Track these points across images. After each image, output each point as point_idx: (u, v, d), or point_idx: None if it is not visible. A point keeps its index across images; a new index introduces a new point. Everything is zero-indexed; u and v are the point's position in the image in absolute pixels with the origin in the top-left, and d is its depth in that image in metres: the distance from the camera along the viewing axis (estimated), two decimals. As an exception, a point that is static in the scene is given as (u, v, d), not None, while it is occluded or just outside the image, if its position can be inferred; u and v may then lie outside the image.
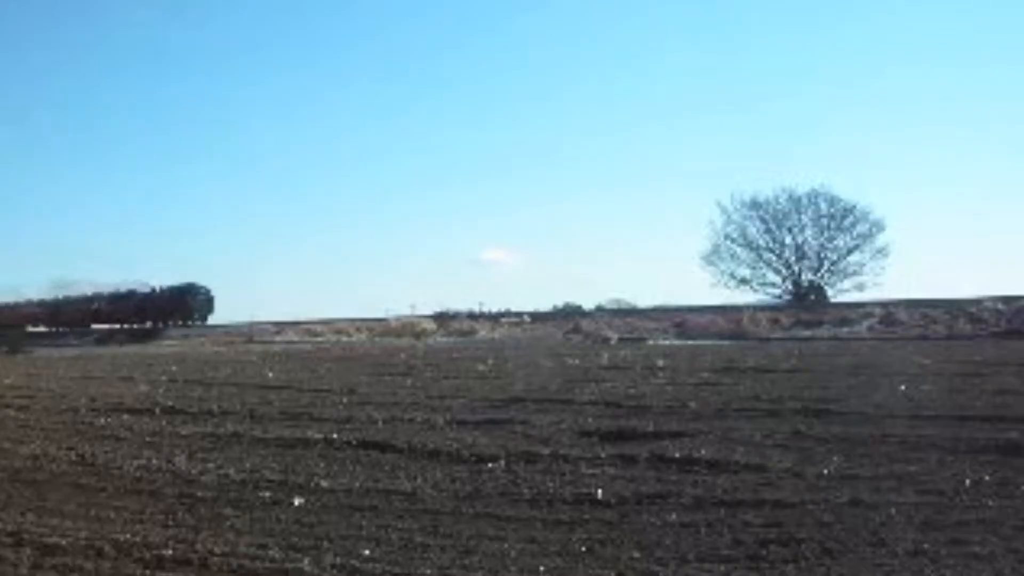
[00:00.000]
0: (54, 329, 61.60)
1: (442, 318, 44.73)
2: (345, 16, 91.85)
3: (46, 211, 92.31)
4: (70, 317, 61.02)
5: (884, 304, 34.52)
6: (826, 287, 48.15)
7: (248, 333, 46.35)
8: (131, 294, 57.95)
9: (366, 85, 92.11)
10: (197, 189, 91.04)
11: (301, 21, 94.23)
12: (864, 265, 47.24)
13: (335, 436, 8.64)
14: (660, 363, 17.08)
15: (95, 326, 59.44)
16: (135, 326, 55.54)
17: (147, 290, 57.63)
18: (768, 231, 48.63)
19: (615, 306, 46.43)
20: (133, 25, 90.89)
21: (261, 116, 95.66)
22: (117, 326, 56.93)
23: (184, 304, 55.03)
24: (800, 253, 48.23)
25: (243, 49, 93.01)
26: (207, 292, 56.68)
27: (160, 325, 54.80)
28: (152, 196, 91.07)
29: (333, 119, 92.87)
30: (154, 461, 7.70)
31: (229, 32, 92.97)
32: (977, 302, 32.42)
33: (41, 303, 65.43)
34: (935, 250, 66.59)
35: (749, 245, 48.96)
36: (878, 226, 46.61)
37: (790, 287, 48.48)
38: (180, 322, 54.73)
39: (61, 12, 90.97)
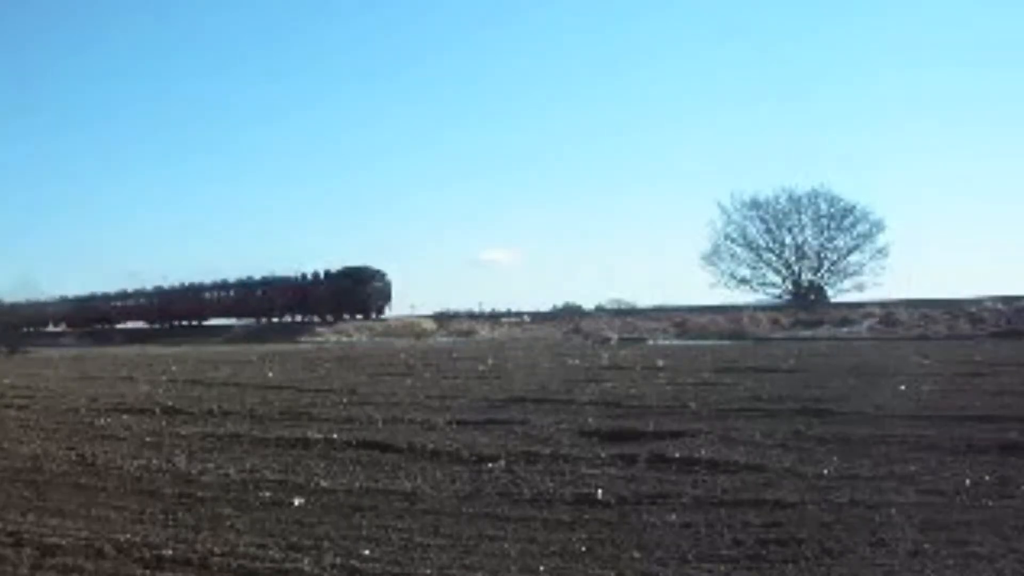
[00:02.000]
0: (157, 325, 54.85)
1: (442, 318, 44.75)
2: (347, 17, 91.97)
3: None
4: (179, 310, 54.90)
5: (884, 304, 34.54)
6: (826, 287, 48.16)
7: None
8: (266, 282, 51.12)
9: (369, 86, 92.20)
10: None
11: (302, 22, 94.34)
12: (864, 265, 47.26)
13: (335, 436, 8.63)
14: (660, 363, 17.08)
15: (213, 321, 52.59)
16: (274, 319, 49.11)
17: (287, 278, 49.94)
18: (768, 231, 48.65)
19: (615, 306, 46.47)
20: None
21: (260, 116, 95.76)
22: (248, 320, 50.49)
23: (355, 292, 46.77)
24: (800, 253, 48.24)
25: (246, 49, 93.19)
26: (383, 277, 48.15)
27: (312, 319, 46.91)
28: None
29: (331, 119, 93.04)
30: (154, 461, 7.70)
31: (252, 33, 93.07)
32: (977, 302, 32.45)
33: (139, 294, 59.13)
34: (935, 250, 66.67)
35: (749, 245, 48.98)
36: (878, 226, 46.66)
37: (790, 287, 48.48)
38: (351, 315, 46.41)
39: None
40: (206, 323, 53.45)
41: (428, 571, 4.45)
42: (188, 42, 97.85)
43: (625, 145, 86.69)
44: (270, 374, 17.46)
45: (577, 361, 18.97)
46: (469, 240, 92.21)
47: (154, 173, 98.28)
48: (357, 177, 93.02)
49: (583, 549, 4.76)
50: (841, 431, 8.09)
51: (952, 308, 31.52)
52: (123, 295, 61.15)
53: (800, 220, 48.07)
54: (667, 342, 30.21)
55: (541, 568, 4.45)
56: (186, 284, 56.73)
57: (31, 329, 62.17)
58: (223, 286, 54.37)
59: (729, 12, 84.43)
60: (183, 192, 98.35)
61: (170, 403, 11.96)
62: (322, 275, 48.91)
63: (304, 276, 50.01)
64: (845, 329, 30.93)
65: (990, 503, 5.38)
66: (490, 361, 19.44)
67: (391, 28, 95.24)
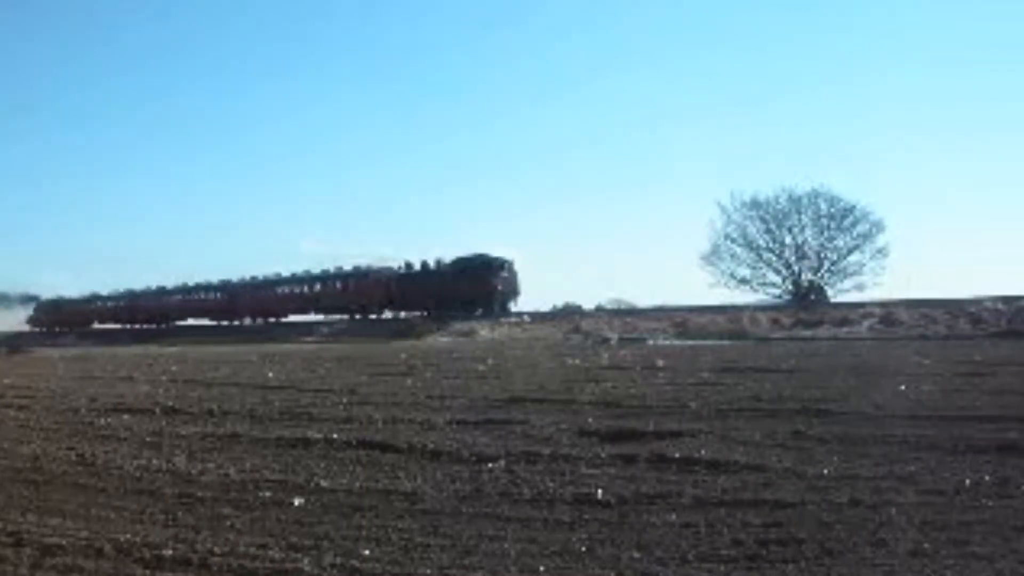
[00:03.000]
0: (225, 323, 50.69)
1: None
2: (351, 16, 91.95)
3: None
4: (250, 307, 50.47)
5: (884, 304, 34.46)
6: (826, 287, 48.06)
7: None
8: (356, 274, 46.29)
9: (370, 86, 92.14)
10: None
11: (307, 22, 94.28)
12: (864, 265, 47.10)
13: (335, 436, 8.63)
14: (660, 363, 17.07)
15: (295, 317, 47.88)
16: (370, 316, 44.40)
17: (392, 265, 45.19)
18: (768, 231, 48.51)
19: (615, 306, 46.34)
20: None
21: (265, 114, 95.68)
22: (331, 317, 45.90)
23: (478, 285, 41.11)
24: (800, 253, 48.11)
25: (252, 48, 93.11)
26: (511, 267, 42.52)
27: (409, 315, 42.78)
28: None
29: (336, 119, 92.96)
30: (154, 461, 7.70)
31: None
32: (977, 302, 32.38)
33: (202, 288, 55.01)
34: (935, 250, 66.62)
35: (749, 245, 48.84)
36: (878, 226, 46.49)
37: (790, 287, 48.39)
38: (468, 311, 41.00)
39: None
40: (282, 320, 49.12)
41: (428, 571, 4.46)
42: (190, 42, 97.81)
43: (625, 145, 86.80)
44: (270, 374, 17.45)
45: (577, 361, 18.96)
46: (469, 241, 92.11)
47: (154, 172, 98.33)
48: (358, 176, 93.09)
49: (583, 549, 4.76)
50: (841, 431, 8.08)
51: (952, 308, 31.46)
52: (183, 289, 57.07)
53: (800, 220, 47.96)
54: (667, 342, 30.18)
55: (541, 568, 4.46)
56: (259, 277, 52.50)
57: (66, 329, 58.63)
58: (301, 279, 49.91)
59: (729, 12, 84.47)
60: (183, 191, 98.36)
61: (170, 403, 11.95)
62: (432, 264, 44.17)
63: (408, 266, 45.39)
64: (845, 329, 30.86)
65: (990, 503, 5.37)
66: (490, 361, 19.43)
67: (396, 29, 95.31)
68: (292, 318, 49.16)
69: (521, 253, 49.71)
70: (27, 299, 68.02)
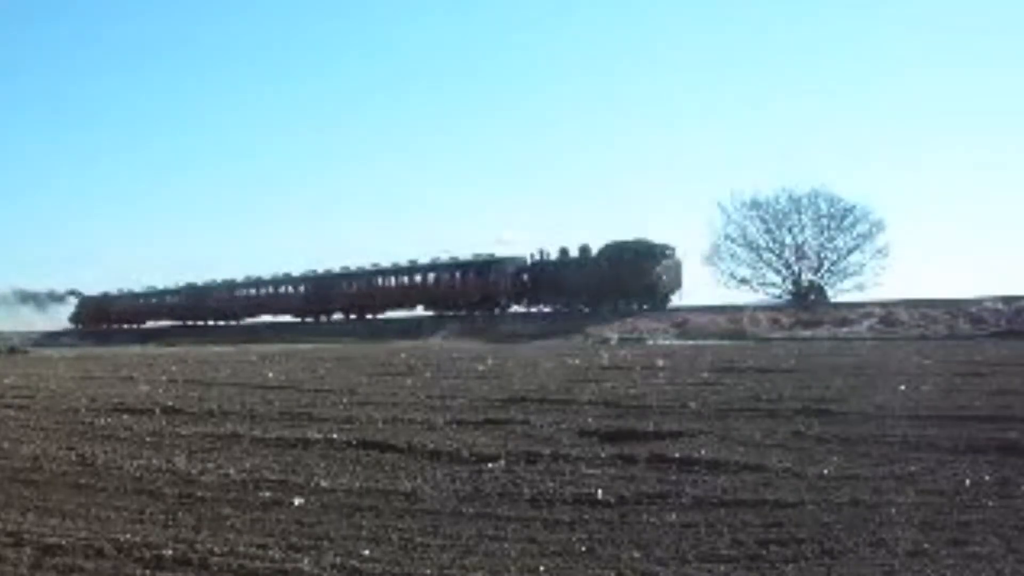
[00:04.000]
0: (305, 319, 46.47)
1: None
2: (349, 14, 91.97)
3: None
4: (342, 301, 45.88)
5: (884, 304, 34.46)
6: (826, 287, 48.03)
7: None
8: (476, 264, 41.11)
9: (384, 80, 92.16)
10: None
11: (311, 20, 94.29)
12: (864, 265, 47.07)
13: (335, 436, 8.63)
14: (660, 363, 17.07)
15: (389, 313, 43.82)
16: (493, 311, 39.71)
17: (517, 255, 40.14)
18: (768, 231, 48.44)
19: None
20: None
21: (257, 112, 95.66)
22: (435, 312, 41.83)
23: (636, 274, 36.02)
24: (800, 253, 48.03)
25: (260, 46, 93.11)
26: (672, 254, 37.73)
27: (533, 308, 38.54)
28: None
29: (357, 116, 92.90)
30: (154, 461, 7.70)
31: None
32: (977, 302, 32.37)
33: (280, 281, 50.09)
34: (935, 250, 66.64)
35: (749, 245, 48.76)
36: (878, 226, 46.43)
37: (790, 287, 48.37)
38: (620, 304, 36.37)
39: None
40: (382, 316, 44.98)
41: (428, 571, 4.45)
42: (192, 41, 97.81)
43: (625, 145, 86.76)
44: (270, 374, 17.45)
45: (577, 361, 18.96)
46: (469, 240, 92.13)
47: (153, 171, 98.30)
48: (354, 176, 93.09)
49: (583, 549, 4.76)
50: (841, 431, 8.08)
51: (952, 308, 31.47)
52: (259, 281, 52.39)
53: (800, 220, 47.88)
54: (667, 342, 30.17)
55: (541, 568, 4.45)
56: (353, 268, 47.42)
57: (116, 327, 55.78)
58: (407, 269, 44.98)
59: (729, 12, 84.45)
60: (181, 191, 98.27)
61: (170, 403, 11.95)
62: (573, 253, 39.10)
63: (542, 254, 40.32)
64: (845, 329, 30.88)
65: (990, 503, 5.37)
66: (490, 361, 19.43)
67: (406, 28, 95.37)
68: (387, 314, 45.06)
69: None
70: (59, 296, 65.12)
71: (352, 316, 46.72)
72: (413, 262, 45.18)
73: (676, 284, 37.60)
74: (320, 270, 49.48)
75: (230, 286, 53.85)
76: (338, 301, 47.13)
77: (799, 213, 47.92)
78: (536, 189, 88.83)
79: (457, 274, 43.39)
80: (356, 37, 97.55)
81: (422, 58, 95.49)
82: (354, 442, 8.32)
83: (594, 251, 39.51)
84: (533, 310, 41.11)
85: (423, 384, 14.25)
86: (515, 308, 41.99)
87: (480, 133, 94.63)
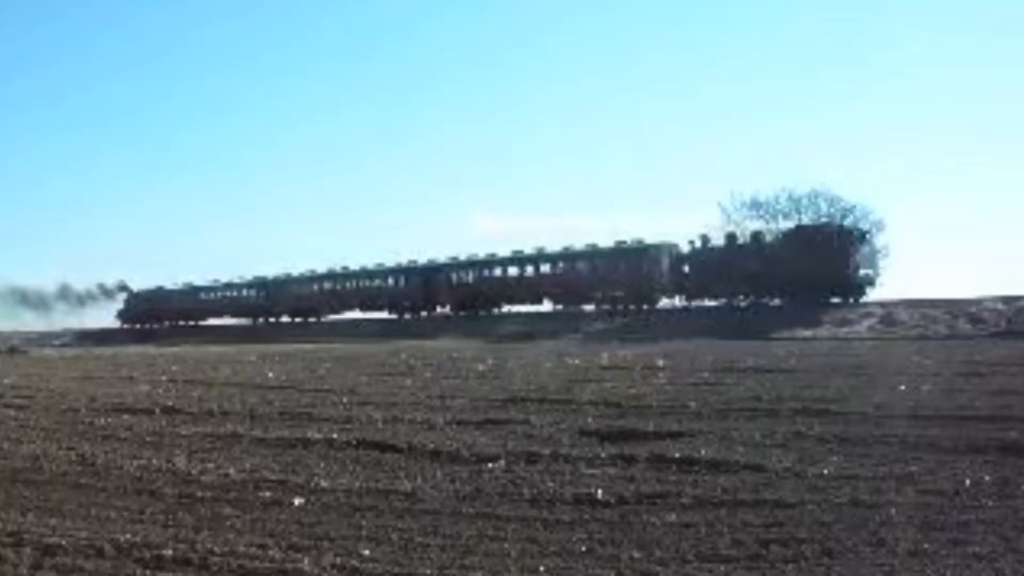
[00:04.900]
0: (402, 315, 41.83)
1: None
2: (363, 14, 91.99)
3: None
4: (453, 295, 41.65)
5: (884, 304, 34.43)
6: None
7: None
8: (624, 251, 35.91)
9: (376, 86, 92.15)
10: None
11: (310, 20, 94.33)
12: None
13: (335, 436, 8.63)
14: (660, 363, 17.07)
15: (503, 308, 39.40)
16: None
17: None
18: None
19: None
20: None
21: (256, 112, 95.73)
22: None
23: (827, 262, 30.83)
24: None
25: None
26: (870, 239, 33.00)
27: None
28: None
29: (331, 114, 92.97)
30: (154, 461, 7.69)
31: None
32: (977, 302, 32.35)
33: (388, 271, 44.98)
34: (935, 250, 66.61)
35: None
36: (878, 226, 46.46)
37: (790, 287, 48.23)
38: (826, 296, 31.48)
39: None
40: (496, 312, 40.54)
41: (428, 571, 4.45)
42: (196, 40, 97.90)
43: (625, 145, 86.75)
44: (270, 374, 17.45)
45: (577, 361, 18.95)
46: (468, 240, 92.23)
47: (153, 169, 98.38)
48: (352, 176, 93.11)
49: (583, 549, 4.76)
50: (841, 431, 8.08)
51: (952, 308, 31.43)
52: (342, 274, 47.46)
53: (800, 220, 47.95)
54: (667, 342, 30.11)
55: (541, 568, 4.45)
56: (460, 257, 42.25)
57: (170, 324, 52.48)
58: (526, 258, 40.24)
59: (729, 11, 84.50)
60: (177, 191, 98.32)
61: (170, 403, 11.95)
62: (741, 239, 34.29)
63: (704, 240, 35.43)
64: (845, 329, 30.83)
65: (990, 503, 5.37)
66: (490, 361, 19.43)
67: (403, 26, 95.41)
68: (505, 308, 40.58)
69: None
70: (108, 291, 60.01)
71: (461, 312, 41.97)
72: (540, 250, 40.43)
73: (875, 273, 32.59)
74: (421, 259, 44.62)
75: (311, 278, 49.04)
76: (445, 295, 42.52)
77: (799, 213, 47.94)
78: (535, 188, 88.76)
79: (600, 263, 37.97)
80: (357, 37, 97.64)
81: (421, 58, 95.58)
82: (354, 442, 8.33)
83: (768, 237, 34.78)
84: (691, 305, 35.72)
85: (423, 384, 14.25)
86: (667, 302, 36.86)
87: (479, 133, 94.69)
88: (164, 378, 17.08)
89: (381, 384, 14.54)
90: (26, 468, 7.61)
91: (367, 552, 4.78)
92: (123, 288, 59.86)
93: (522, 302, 40.34)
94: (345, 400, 12.10)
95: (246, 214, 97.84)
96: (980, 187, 69.88)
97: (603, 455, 7.31)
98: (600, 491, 5.98)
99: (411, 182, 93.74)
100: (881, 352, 19.76)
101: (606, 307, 37.04)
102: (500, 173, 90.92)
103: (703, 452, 7.23)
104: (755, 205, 48.33)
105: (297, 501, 6.03)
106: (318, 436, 8.67)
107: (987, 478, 6.01)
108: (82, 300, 60.32)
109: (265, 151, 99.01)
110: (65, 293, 59.77)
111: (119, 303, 60.11)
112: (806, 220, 45.79)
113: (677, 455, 7.13)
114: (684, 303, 36.21)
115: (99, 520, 5.69)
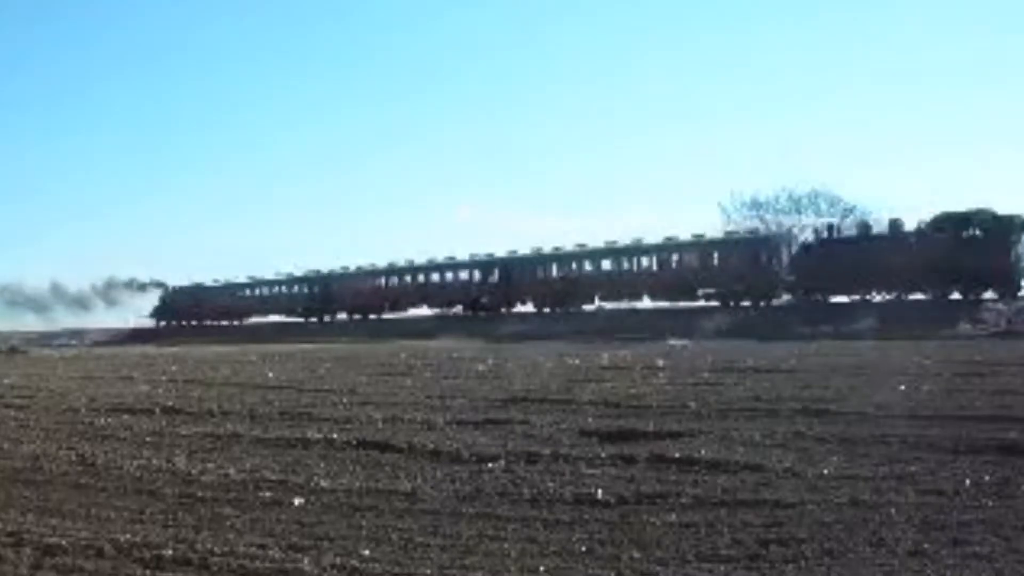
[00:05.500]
0: (477, 312, 38.90)
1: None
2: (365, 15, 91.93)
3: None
4: (534, 290, 38.32)
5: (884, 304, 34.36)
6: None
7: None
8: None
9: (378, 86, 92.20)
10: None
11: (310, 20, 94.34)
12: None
13: (335, 436, 8.63)
14: (660, 363, 17.06)
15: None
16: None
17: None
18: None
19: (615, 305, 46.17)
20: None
21: (249, 110, 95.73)
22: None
23: (996, 252, 28.07)
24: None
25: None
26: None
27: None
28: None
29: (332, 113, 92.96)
30: (154, 461, 7.70)
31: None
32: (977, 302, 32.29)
33: (462, 264, 41.85)
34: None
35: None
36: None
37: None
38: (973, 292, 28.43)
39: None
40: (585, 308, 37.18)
41: (428, 571, 4.45)
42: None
43: (625, 145, 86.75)
44: (270, 374, 17.45)
45: (577, 361, 18.94)
46: (468, 241, 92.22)
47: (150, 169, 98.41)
48: (350, 178, 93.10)
49: (583, 549, 4.76)
50: (841, 431, 8.08)
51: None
52: (406, 268, 44.03)
53: (800, 220, 47.94)
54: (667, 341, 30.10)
55: (541, 568, 4.45)
56: (545, 250, 38.93)
57: (212, 322, 50.05)
58: (625, 249, 36.66)
59: (730, 11, 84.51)
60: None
61: (170, 403, 11.95)
62: (905, 226, 30.27)
63: (832, 228, 32.65)
64: (845, 329, 30.75)
65: (990, 503, 5.38)
66: (490, 361, 19.42)
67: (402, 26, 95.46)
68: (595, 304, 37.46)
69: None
70: (141, 285, 56.83)
71: (546, 309, 39.09)
72: (638, 240, 37.39)
73: None
74: (498, 253, 41.56)
75: (374, 273, 46.17)
76: (529, 290, 39.50)
77: (799, 213, 47.92)
78: (535, 187, 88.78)
79: (710, 254, 35.06)
80: (357, 37, 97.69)
81: (421, 58, 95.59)
82: (354, 442, 8.33)
83: (907, 226, 31.15)
84: (817, 300, 32.40)
85: (423, 384, 14.25)
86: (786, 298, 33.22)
87: (478, 133, 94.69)
88: (164, 378, 17.07)
89: (381, 384, 14.53)
90: (26, 468, 7.61)
91: (367, 552, 4.78)
92: (158, 285, 56.99)
93: (618, 298, 37.28)
94: (345, 400, 12.10)
95: (246, 215, 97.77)
96: (980, 187, 69.95)
97: (603, 455, 7.31)
98: (600, 491, 5.98)
99: (411, 182, 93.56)
100: (881, 352, 19.76)
101: (714, 303, 33.88)
102: (498, 172, 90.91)
103: (703, 452, 7.23)
104: (755, 205, 48.43)
105: (297, 501, 6.03)
106: (318, 436, 8.67)
107: (987, 478, 6.01)
108: (104, 298, 57.66)
109: (263, 152, 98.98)
110: (92, 291, 57.25)
111: (131, 300, 57.30)
112: (806, 220, 46.02)
113: (677, 455, 7.13)
114: (807, 298, 32.71)
115: (99, 520, 5.70)
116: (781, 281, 32.88)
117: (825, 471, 6.42)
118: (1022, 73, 77.55)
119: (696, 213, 79.52)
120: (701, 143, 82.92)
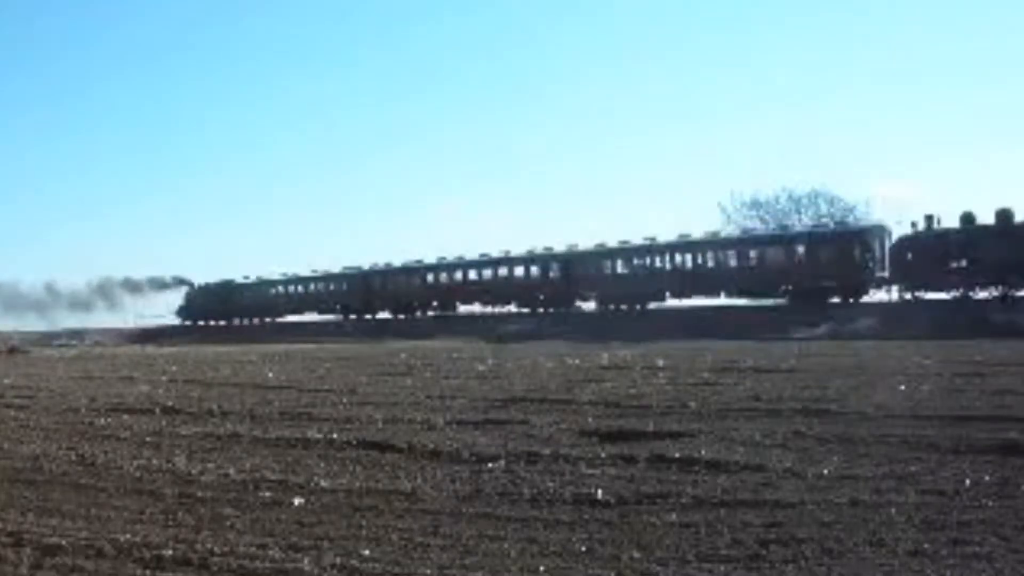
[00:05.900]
0: (538, 308, 36.20)
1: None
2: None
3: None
4: (600, 287, 35.46)
5: (884, 304, 34.36)
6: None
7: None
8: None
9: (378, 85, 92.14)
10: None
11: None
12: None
13: (335, 436, 8.63)
14: (660, 363, 17.06)
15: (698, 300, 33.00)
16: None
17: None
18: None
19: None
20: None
21: (249, 110, 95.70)
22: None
23: None
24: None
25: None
26: None
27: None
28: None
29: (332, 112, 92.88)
30: (154, 461, 7.70)
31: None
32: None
33: (520, 259, 38.91)
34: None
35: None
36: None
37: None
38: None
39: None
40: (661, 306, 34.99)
41: (428, 571, 4.45)
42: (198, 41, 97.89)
43: (625, 145, 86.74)
44: (270, 374, 17.45)
45: (577, 361, 18.94)
46: (469, 240, 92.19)
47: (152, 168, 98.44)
48: (350, 177, 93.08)
49: (583, 549, 4.76)
50: (841, 431, 8.08)
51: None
52: (457, 263, 41.23)
53: (800, 220, 47.96)
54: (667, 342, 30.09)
55: (541, 568, 4.45)
56: (608, 244, 36.00)
57: (242, 321, 47.99)
58: (694, 244, 34.16)
59: (730, 11, 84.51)
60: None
61: (170, 403, 11.95)
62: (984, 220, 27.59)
63: (931, 221, 29.30)
64: (845, 329, 30.74)
65: (990, 503, 5.37)
66: (490, 361, 19.42)
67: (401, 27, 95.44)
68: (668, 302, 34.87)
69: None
70: (162, 283, 54.64)
71: (610, 307, 36.63)
72: (715, 233, 35.53)
73: None
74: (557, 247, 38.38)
75: (421, 269, 43.49)
76: (590, 287, 36.93)
77: (799, 213, 47.96)
78: (535, 187, 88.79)
79: (800, 248, 32.54)
80: (356, 37, 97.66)
81: (420, 57, 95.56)
82: (354, 442, 8.33)
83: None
84: (913, 297, 29.96)
85: (423, 384, 14.25)
86: (877, 296, 31.21)
87: (479, 132, 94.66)
88: (164, 378, 17.08)
89: (381, 384, 14.54)
90: (26, 468, 7.61)
91: (367, 552, 4.78)
92: (181, 282, 54.70)
93: (690, 296, 35.00)
94: (345, 400, 12.10)
95: (245, 215, 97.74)
96: (980, 187, 69.95)
97: (603, 455, 7.31)
98: (600, 491, 5.98)
99: (411, 182, 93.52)
100: (881, 352, 19.75)
101: (796, 300, 31.74)
102: (498, 172, 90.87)
103: (703, 452, 7.23)
104: (755, 205, 48.48)
105: (297, 501, 6.03)
106: (318, 436, 8.67)
107: (987, 478, 6.01)
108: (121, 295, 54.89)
109: (263, 152, 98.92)
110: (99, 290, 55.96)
111: (150, 298, 55.02)
112: (806, 220, 45.96)
113: (677, 455, 7.13)
114: (903, 295, 30.61)
115: (99, 520, 5.69)
116: (873, 276, 30.99)
117: (825, 471, 6.42)
118: (1022, 73, 77.51)
119: (696, 213, 79.51)
120: (701, 143, 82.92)
